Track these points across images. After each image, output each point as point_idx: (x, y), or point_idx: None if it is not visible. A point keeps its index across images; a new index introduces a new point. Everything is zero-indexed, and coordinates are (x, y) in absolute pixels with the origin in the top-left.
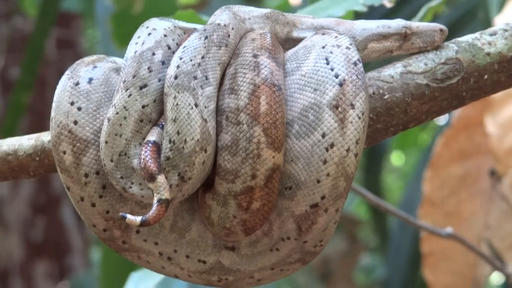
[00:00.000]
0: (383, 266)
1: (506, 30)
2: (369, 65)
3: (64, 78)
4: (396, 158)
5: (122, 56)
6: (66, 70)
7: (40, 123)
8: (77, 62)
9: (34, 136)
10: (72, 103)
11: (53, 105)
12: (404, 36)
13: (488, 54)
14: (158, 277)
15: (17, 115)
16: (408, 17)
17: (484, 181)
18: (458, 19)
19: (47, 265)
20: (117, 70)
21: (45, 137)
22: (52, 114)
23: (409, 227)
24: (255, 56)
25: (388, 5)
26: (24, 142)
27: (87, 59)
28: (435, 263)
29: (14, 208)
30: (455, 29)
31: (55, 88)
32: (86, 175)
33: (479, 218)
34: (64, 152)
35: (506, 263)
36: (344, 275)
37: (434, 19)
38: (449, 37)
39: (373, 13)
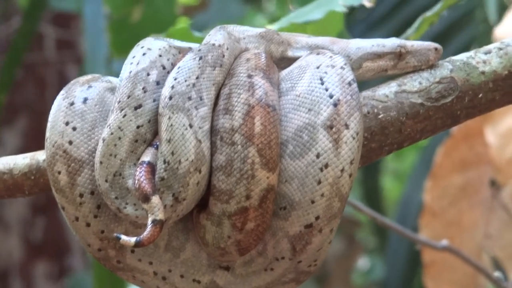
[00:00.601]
0: (381, 267)
1: (500, 49)
2: (364, 84)
3: (59, 98)
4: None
5: (100, 58)
6: (62, 90)
7: (39, 124)
8: (72, 81)
9: (29, 155)
10: (67, 123)
11: (48, 125)
12: (399, 55)
13: (483, 72)
14: None
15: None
16: (403, 25)
17: (485, 191)
18: (456, 21)
19: (47, 265)
20: (112, 89)
21: (40, 156)
22: (47, 134)
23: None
24: (249, 76)
25: (368, 5)
26: (19, 161)
27: (82, 78)
28: (436, 273)
29: (14, 208)
30: (453, 31)
31: (55, 88)
32: (81, 195)
33: (480, 228)
34: (59, 172)
35: (507, 272)
36: (341, 276)
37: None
38: (448, 38)
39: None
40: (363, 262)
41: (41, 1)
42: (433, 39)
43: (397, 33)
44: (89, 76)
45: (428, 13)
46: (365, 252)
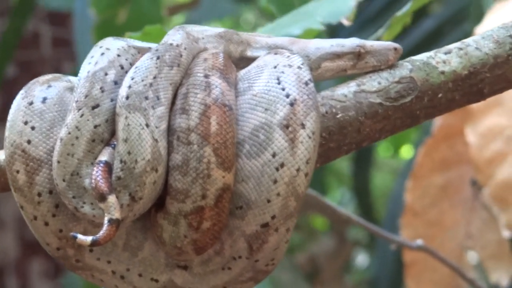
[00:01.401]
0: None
1: (461, 49)
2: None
3: (18, 98)
4: (384, 150)
5: None
6: (21, 90)
7: None
8: (32, 81)
9: None
10: (26, 123)
11: (7, 124)
12: (358, 55)
13: (443, 72)
14: None
15: None
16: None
17: (466, 190)
18: (450, 17)
19: (43, 263)
20: (72, 89)
21: (0, 155)
22: (6, 133)
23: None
24: (206, 76)
25: (346, 23)
26: None
27: (42, 78)
28: (417, 273)
29: (9, 206)
30: (447, 27)
31: None
32: (39, 194)
33: (461, 227)
34: (18, 171)
35: (488, 271)
36: (333, 274)
37: (426, 17)
38: (441, 36)
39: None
40: (356, 260)
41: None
42: (427, 36)
43: None
44: (49, 76)
45: (399, 13)
46: (360, 248)
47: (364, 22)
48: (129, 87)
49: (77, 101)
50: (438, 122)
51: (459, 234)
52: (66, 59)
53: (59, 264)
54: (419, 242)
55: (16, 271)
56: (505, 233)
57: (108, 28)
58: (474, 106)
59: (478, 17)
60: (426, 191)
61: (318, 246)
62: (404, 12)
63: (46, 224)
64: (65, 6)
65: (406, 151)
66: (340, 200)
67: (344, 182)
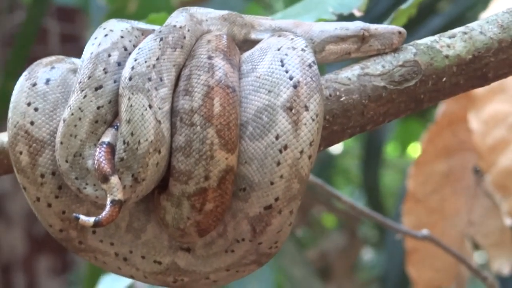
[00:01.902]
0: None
1: (465, 33)
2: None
3: (22, 79)
4: (392, 150)
5: None
6: (25, 71)
7: None
8: (35, 63)
9: None
10: (29, 104)
11: (10, 105)
12: (362, 38)
13: (447, 56)
14: (128, 280)
15: (4, 102)
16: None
17: (468, 178)
18: (458, 15)
19: (50, 260)
20: (75, 71)
21: (3, 137)
22: (9, 114)
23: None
24: (209, 57)
25: (358, 14)
26: None
27: (45, 60)
28: (418, 260)
29: (17, 202)
30: (455, 26)
31: None
32: (42, 176)
33: (463, 214)
34: (21, 153)
35: (489, 259)
36: (344, 270)
37: (434, 15)
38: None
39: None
40: (367, 257)
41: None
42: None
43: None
44: (53, 58)
45: (403, 6)
46: (369, 246)
47: (372, 19)
48: (132, 68)
49: (80, 82)
50: (441, 109)
51: (461, 221)
52: (74, 55)
53: (66, 261)
54: (425, 231)
55: (23, 268)
56: (507, 221)
57: (119, 17)
58: (478, 92)
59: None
60: (429, 178)
61: (329, 243)
62: (409, 4)
63: (49, 205)
64: (77, 2)
65: (413, 150)
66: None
67: (353, 181)
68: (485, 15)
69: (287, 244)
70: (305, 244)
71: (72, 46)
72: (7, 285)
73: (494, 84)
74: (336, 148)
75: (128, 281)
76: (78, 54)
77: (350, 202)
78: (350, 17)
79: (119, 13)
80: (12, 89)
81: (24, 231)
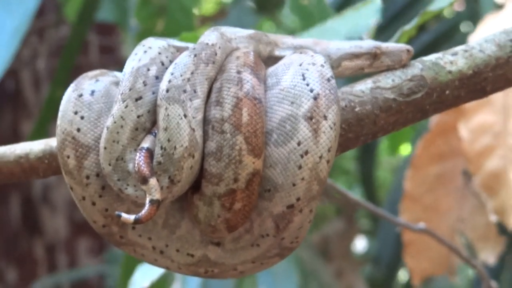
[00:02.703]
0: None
1: (466, 51)
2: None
3: (69, 90)
4: (385, 150)
5: None
6: (72, 83)
7: None
8: (81, 76)
9: (43, 141)
10: (75, 113)
11: (59, 114)
12: (375, 55)
13: (450, 72)
14: (161, 270)
15: (53, 108)
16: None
17: (458, 179)
18: (445, 32)
19: (89, 241)
20: (117, 83)
21: (53, 142)
22: (58, 122)
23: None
24: (238, 72)
25: (366, 38)
26: (35, 147)
27: (90, 73)
28: (414, 251)
29: (60, 191)
30: (441, 42)
31: None
32: (87, 177)
33: (454, 212)
34: (68, 157)
35: (477, 251)
36: (342, 251)
37: (423, 33)
38: (436, 48)
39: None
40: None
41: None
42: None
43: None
44: (97, 71)
45: (406, 27)
46: (363, 233)
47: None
48: (169, 81)
49: (122, 94)
50: (434, 119)
51: (452, 218)
52: (111, 65)
53: (103, 242)
54: (421, 224)
55: (65, 249)
56: (493, 217)
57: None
58: (467, 105)
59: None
60: (424, 179)
61: (329, 227)
62: (411, 26)
63: (93, 204)
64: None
65: (404, 149)
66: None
67: (350, 177)
68: (472, 37)
69: None
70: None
71: (110, 57)
72: (52, 264)
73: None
74: None
75: (161, 271)
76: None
77: (356, 200)
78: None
79: (148, 31)
80: (59, 96)
81: (66, 217)
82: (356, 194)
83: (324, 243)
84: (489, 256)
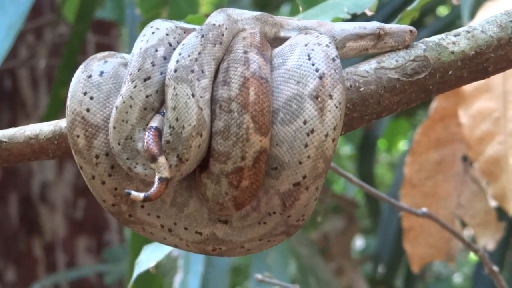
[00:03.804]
0: (375, 242)
1: (468, 32)
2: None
3: (78, 71)
4: (383, 144)
5: None
6: (81, 64)
7: None
8: (90, 57)
9: (53, 122)
10: (85, 93)
11: (69, 95)
12: (378, 36)
13: (452, 52)
14: (168, 249)
15: (57, 107)
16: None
17: (458, 165)
18: (442, 28)
19: (87, 240)
20: (125, 64)
21: (63, 123)
22: (68, 102)
23: (397, 209)
24: (245, 52)
25: (369, 13)
26: (45, 128)
27: (99, 55)
28: (414, 237)
29: (59, 190)
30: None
31: None
32: (97, 156)
33: (453, 198)
34: (78, 136)
35: (476, 237)
36: (342, 249)
37: (423, 27)
38: None
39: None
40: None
41: (88, 12)
42: None
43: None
44: (105, 53)
45: (409, 8)
46: (363, 231)
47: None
48: (177, 61)
49: (130, 74)
50: (434, 105)
51: (451, 204)
52: None
53: (101, 241)
54: (424, 209)
55: (64, 247)
56: (492, 203)
57: None
58: (466, 91)
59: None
60: (423, 165)
61: (329, 225)
62: (413, 6)
63: (103, 183)
64: (113, 16)
65: (402, 146)
66: (345, 186)
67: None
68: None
69: None
70: (308, 226)
71: None
72: (51, 263)
73: (481, 84)
74: None
75: (168, 250)
76: None
77: (359, 183)
78: (363, 16)
79: (152, 20)
80: (62, 96)
81: (64, 216)
82: (352, 191)
83: (324, 241)
84: (488, 241)
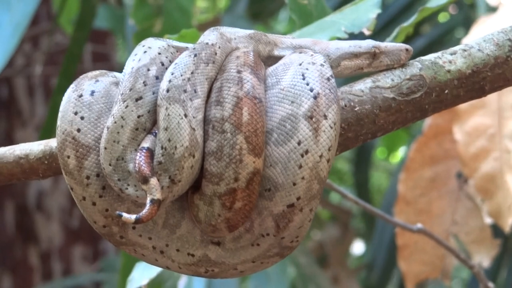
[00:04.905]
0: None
1: (465, 50)
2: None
3: (69, 91)
4: (381, 153)
5: None
6: (72, 84)
7: None
8: (81, 76)
9: (43, 142)
10: (76, 113)
11: (59, 114)
12: (374, 55)
13: (449, 71)
14: (158, 268)
15: (56, 116)
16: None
17: (452, 182)
18: (438, 37)
19: (83, 249)
20: (117, 84)
21: (53, 143)
22: (58, 122)
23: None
24: (239, 72)
25: (367, 32)
26: (35, 147)
27: (90, 74)
28: (408, 254)
29: (55, 199)
30: (435, 46)
31: None
32: (88, 177)
33: (448, 215)
34: (68, 157)
35: (471, 255)
36: (338, 258)
37: (419, 36)
38: (431, 51)
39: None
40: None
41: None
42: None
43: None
44: (97, 72)
45: (405, 24)
46: (359, 238)
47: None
48: (169, 81)
49: (122, 94)
50: (428, 122)
51: (446, 221)
52: None
53: (98, 250)
54: (419, 225)
55: (60, 256)
56: (487, 220)
57: (147, 36)
58: (461, 107)
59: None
60: (417, 182)
61: (325, 235)
62: (409, 23)
63: (94, 204)
64: (108, 25)
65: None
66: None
67: (345, 181)
68: (466, 40)
69: None
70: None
71: (103, 64)
72: (47, 271)
73: (476, 100)
74: None
75: (159, 268)
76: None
77: (353, 198)
78: (360, 36)
79: (146, 32)
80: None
81: (61, 224)
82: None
83: (320, 249)
84: (484, 259)
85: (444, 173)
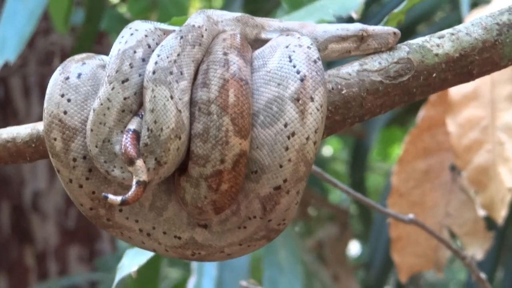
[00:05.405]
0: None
1: (452, 34)
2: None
3: (56, 73)
4: (378, 153)
5: None
6: (59, 66)
7: None
8: (68, 59)
9: (30, 125)
10: (62, 95)
11: (46, 97)
12: (361, 38)
13: (437, 54)
14: (149, 254)
15: None
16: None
17: (445, 175)
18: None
19: (79, 249)
20: (104, 66)
21: (40, 126)
22: (45, 105)
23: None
24: (225, 54)
25: (355, 16)
26: (22, 131)
27: (77, 56)
28: (401, 247)
29: (50, 199)
30: None
31: None
32: (74, 160)
33: (441, 207)
34: (55, 139)
35: (464, 246)
36: (337, 256)
37: (415, 35)
38: None
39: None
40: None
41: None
42: None
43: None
44: (83, 55)
45: (395, 11)
46: (356, 238)
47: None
48: (156, 63)
49: (108, 76)
50: (421, 114)
51: (439, 213)
52: None
53: (93, 250)
54: (411, 215)
55: (56, 256)
56: (481, 212)
57: None
58: (454, 99)
59: None
60: (410, 175)
61: (324, 233)
62: (399, 9)
63: (80, 186)
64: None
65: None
66: (341, 197)
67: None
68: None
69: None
70: (303, 233)
71: None
72: (42, 271)
73: (469, 92)
74: (327, 151)
75: (149, 255)
76: None
77: (346, 189)
78: (349, 19)
79: None
80: None
81: (56, 225)
82: (347, 198)
83: (319, 248)
84: (477, 251)
85: (437, 165)
